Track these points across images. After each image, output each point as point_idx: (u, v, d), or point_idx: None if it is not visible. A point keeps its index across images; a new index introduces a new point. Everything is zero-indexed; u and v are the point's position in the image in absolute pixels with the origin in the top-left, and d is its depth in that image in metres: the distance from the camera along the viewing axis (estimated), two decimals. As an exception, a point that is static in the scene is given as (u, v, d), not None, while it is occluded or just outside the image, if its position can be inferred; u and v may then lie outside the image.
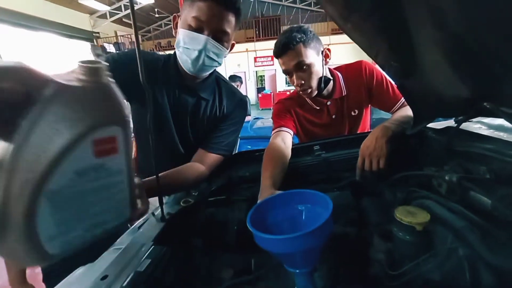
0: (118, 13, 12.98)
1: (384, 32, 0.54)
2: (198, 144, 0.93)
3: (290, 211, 0.55)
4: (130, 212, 0.39)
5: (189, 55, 0.80)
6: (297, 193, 0.56)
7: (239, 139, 3.36)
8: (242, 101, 1.02)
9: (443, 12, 0.38)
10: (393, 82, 1.07)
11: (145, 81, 0.51)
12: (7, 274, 1.07)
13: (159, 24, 16.24)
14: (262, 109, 12.71)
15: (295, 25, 0.98)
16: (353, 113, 1.11)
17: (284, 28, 14.98)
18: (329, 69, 1.08)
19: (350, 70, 1.10)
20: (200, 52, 0.78)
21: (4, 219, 0.26)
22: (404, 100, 1.01)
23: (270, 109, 12.83)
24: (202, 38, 0.77)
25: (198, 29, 0.77)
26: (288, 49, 0.94)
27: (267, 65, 14.49)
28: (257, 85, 15.34)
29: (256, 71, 15.01)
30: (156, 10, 14.24)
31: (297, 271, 0.47)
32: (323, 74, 0.99)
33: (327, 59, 1.01)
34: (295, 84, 1.00)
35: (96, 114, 0.28)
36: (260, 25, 14.48)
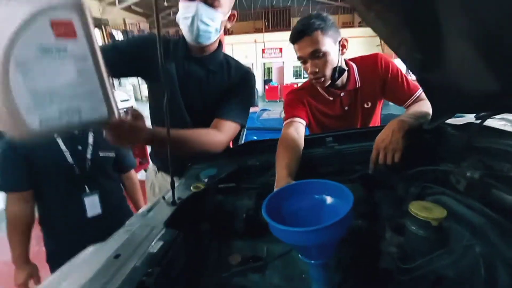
0: (127, 0, 12.87)
1: (410, 22, 0.52)
2: (208, 115, 0.96)
3: (307, 201, 0.54)
4: (106, 113, 0.42)
5: (185, 23, 0.86)
6: (315, 183, 0.55)
7: (245, 130, 3.35)
8: (249, 72, 1.07)
9: (479, 2, 0.36)
10: (408, 76, 1.04)
11: (163, 62, 0.51)
12: (11, 253, 1.09)
13: (167, 12, 16.08)
14: (268, 101, 12.63)
15: (314, 12, 0.95)
16: (366, 105, 1.09)
17: (294, 20, 14.76)
18: (344, 60, 1.06)
19: (365, 62, 1.07)
20: (193, 18, 0.83)
21: None
22: (418, 94, 0.99)
23: (276, 101, 12.81)
24: (192, 4, 0.82)
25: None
26: (305, 35, 0.92)
27: (275, 57, 14.32)
28: (264, 77, 15.21)
29: (264, 63, 14.85)
30: (165, -3, 14.09)
31: (312, 262, 0.47)
32: (338, 64, 0.97)
33: (344, 50, 0.99)
34: (308, 71, 0.98)
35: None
36: (270, 16, 14.26)
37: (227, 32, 13.75)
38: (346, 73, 1.04)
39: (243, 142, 2.89)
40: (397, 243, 0.57)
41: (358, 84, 1.06)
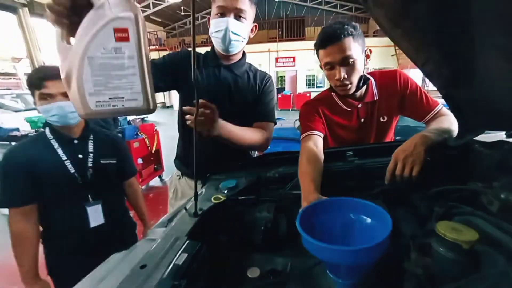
0: (147, 10, 13.44)
1: (440, 38, 0.52)
2: (236, 117, 1.07)
3: (342, 219, 0.53)
4: (142, 104, 0.50)
5: (218, 36, 1.02)
6: (353, 202, 0.54)
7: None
8: (270, 77, 1.23)
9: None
10: (427, 92, 1.03)
11: (196, 79, 0.54)
12: (19, 270, 1.05)
13: (184, 21, 16.62)
14: (280, 110, 12.65)
15: (342, 20, 0.95)
16: (382, 119, 1.08)
17: (308, 29, 14.88)
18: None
19: (384, 77, 1.07)
20: (226, 30, 0.99)
21: (70, 76, 0.46)
22: (438, 110, 0.97)
23: (289, 110, 12.79)
24: (225, 19, 0.98)
25: (222, 15, 1.00)
26: (337, 40, 0.89)
27: (289, 66, 14.40)
28: (277, 86, 15.30)
29: (277, 72, 14.96)
30: (182, 8, 14.59)
31: (340, 281, 0.46)
32: (363, 73, 0.97)
33: (368, 60, 0.98)
34: (336, 77, 0.94)
35: (117, 11, 0.44)
36: (284, 26, 14.43)
37: (241, 41, 13.99)
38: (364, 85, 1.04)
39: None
40: (423, 264, 0.55)
41: (376, 97, 1.05)
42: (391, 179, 0.77)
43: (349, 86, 0.96)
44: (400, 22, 0.55)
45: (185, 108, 0.85)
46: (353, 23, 0.93)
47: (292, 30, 14.46)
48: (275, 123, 1.21)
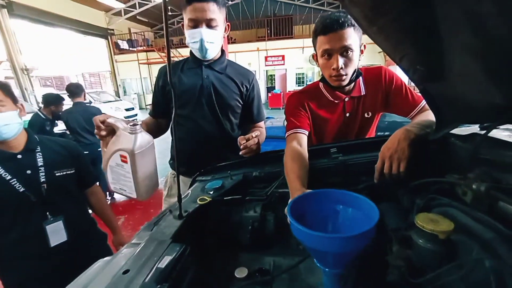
0: (133, 11, 13.19)
1: (413, 36, 0.53)
2: (222, 110, 1.22)
3: (329, 210, 0.55)
4: (134, 194, 0.81)
5: (195, 46, 1.10)
6: (339, 193, 0.56)
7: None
8: (251, 73, 1.31)
9: (482, 17, 0.37)
10: (411, 88, 1.05)
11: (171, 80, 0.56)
12: None
13: (171, 21, 16.40)
14: (271, 109, 12.67)
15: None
16: (366, 115, 1.09)
17: (296, 28, 14.95)
18: None
19: (370, 74, 1.08)
20: (201, 40, 1.07)
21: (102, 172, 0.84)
22: (423, 105, 0.99)
23: (280, 108, 12.83)
24: (198, 30, 1.06)
25: (195, 26, 1.06)
26: (339, 27, 0.87)
27: (278, 65, 14.44)
28: (267, 85, 15.31)
29: (267, 70, 14.97)
30: (169, 8, 14.39)
31: (327, 269, 0.47)
32: (357, 66, 0.97)
33: (361, 55, 0.98)
34: (333, 66, 0.93)
35: (124, 147, 0.77)
36: (272, 24, 14.43)
37: (230, 40, 13.96)
38: None
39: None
40: (405, 256, 0.57)
41: (363, 92, 1.06)
42: (380, 177, 0.78)
43: (344, 77, 0.95)
44: (375, 20, 0.56)
45: (240, 140, 0.97)
46: None
47: (280, 29, 14.48)
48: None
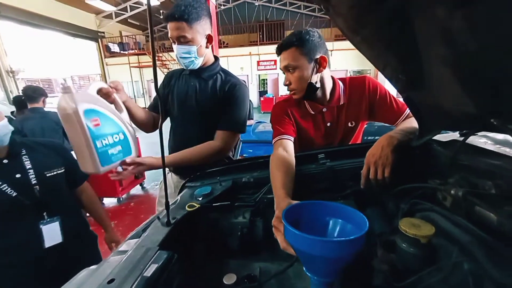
0: (124, 14, 13.09)
1: (393, 47, 0.55)
2: (205, 118, 1.24)
3: (319, 221, 0.56)
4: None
5: (178, 60, 1.19)
6: (330, 205, 0.56)
7: (241, 143, 3.36)
8: (239, 83, 1.25)
9: (453, 32, 0.39)
10: (396, 96, 1.08)
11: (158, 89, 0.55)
12: None
13: (163, 25, 16.32)
14: (263, 113, 12.72)
15: (303, 29, 0.99)
16: (350, 124, 1.11)
17: (288, 32, 15.13)
18: (332, 77, 1.09)
19: (354, 83, 1.11)
20: (177, 56, 1.16)
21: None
22: (408, 112, 1.02)
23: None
24: (175, 47, 1.14)
25: (173, 42, 1.15)
26: (282, 50, 1.00)
27: (270, 69, 14.55)
28: (260, 89, 15.39)
29: (259, 75, 15.07)
30: (161, 11, 14.34)
31: (315, 277, 0.48)
32: (311, 80, 1.00)
33: (321, 68, 1.01)
34: (284, 83, 1.07)
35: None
36: (264, 29, 14.58)
37: (222, 45, 14.01)
38: (331, 89, 1.07)
39: (238, 155, 2.91)
40: (389, 260, 0.58)
41: (342, 101, 1.08)
42: (366, 182, 0.80)
43: (294, 91, 1.05)
44: (358, 30, 0.58)
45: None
46: (312, 31, 0.97)
47: (272, 33, 14.64)
48: (240, 132, 1.25)
